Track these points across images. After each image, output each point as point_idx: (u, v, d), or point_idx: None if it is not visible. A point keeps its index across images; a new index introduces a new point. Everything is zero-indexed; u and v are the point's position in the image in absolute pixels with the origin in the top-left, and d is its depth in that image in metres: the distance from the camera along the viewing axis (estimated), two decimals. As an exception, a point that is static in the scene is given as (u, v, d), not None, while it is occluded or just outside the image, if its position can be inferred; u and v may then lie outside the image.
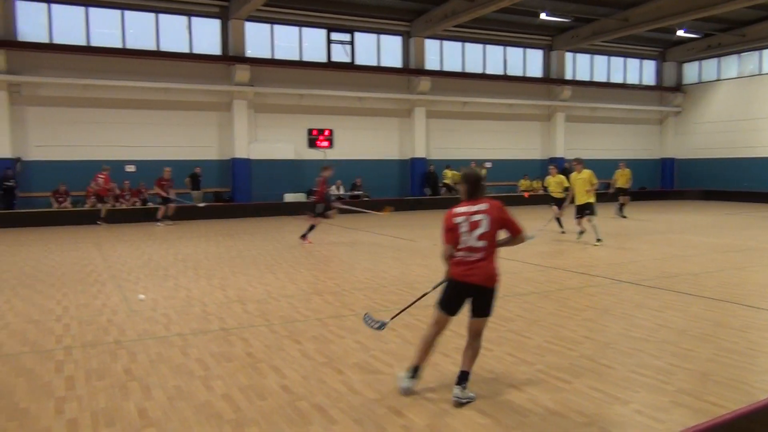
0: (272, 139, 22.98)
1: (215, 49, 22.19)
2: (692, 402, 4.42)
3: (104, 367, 5.24)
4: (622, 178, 19.20)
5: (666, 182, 31.80)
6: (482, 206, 4.41)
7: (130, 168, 20.87)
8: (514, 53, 27.68)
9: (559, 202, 14.86)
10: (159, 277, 9.63)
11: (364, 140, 24.72)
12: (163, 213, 18.11)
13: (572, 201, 13.41)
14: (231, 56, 21.97)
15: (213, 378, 4.96)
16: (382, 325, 5.39)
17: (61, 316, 7.07)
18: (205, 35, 22.03)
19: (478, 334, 4.52)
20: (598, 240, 12.79)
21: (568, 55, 28.68)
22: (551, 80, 28.17)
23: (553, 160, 27.80)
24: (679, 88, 31.47)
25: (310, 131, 22.55)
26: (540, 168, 28.08)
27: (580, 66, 29.35)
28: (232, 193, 22.39)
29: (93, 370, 5.15)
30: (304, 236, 13.58)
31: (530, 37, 27.44)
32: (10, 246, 13.61)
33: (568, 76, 28.73)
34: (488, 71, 26.96)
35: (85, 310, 7.38)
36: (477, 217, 4.37)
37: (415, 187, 25.29)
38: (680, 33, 26.52)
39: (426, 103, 25.37)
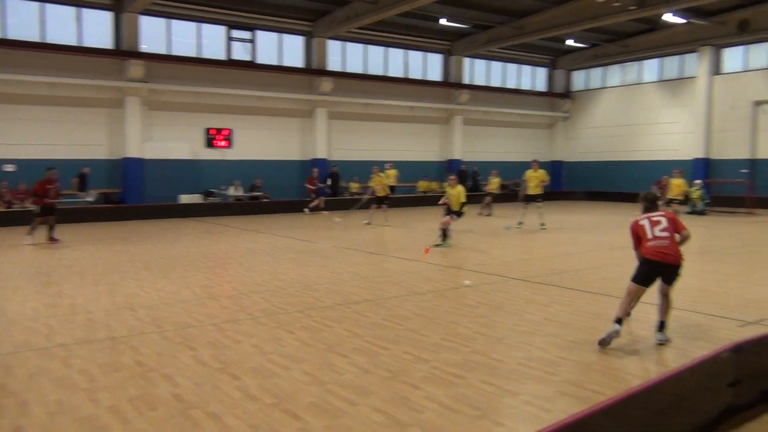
0: (167, 138, 22.10)
1: (107, 42, 21.06)
2: (576, 391, 4.69)
3: (-26, 383, 4.84)
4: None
5: (555, 184, 33.39)
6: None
7: (9, 168, 19.38)
8: (415, 57, 28.21)
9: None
10: (40, 284, 9.01)
11: (265, 140, 24.32)
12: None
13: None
14: (124, 51, 20.92)
15: (99, 390, 4.70)
16: None
17: (-75, 329, 6.45)
18: (96, 28, 20.83)
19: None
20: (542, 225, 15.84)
21: (466, 60, 29.60)
22: (450, 84, 28.95)
23: (452, 162, 28.61)
24: (567, 94, 33.30)
25: (207, 130, 21.83)
26: (438, 170, 28.77)
27: (477, 71, 30.37)
28: (123, 195, 21.32)
29: (-39, 387, 4.74)
30: None
31: (430, 42, 28.07)
32: None
33: (466, 80, 29.65)
34: (390, 74, 27.31)
35: (-47, 321, 6.78)
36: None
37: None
38: (569, 42, 28.29)
39: (328, 104, 25.32)
